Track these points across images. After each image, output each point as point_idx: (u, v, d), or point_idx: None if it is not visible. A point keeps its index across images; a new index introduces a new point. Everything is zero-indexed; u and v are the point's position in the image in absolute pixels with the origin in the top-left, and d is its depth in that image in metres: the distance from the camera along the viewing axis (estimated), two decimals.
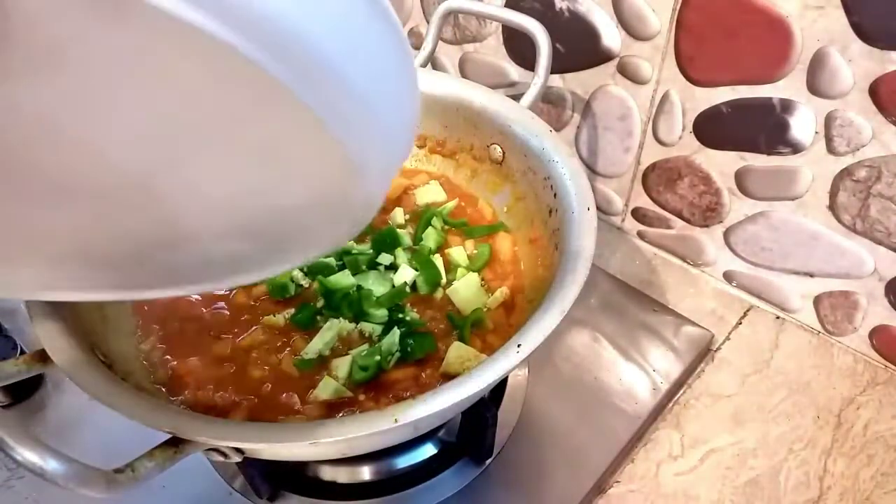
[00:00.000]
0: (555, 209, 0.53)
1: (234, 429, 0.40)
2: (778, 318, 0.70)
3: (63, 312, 0.46)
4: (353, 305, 0.55)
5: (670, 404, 0.64)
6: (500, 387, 0.63)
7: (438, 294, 0.57)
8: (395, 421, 0.38)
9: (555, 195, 0.53)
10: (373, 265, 0.58)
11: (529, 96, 0.62)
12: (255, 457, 0.45)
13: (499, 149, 0.60)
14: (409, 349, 0.52)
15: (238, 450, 0.41)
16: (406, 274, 0.57)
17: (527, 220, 0.59)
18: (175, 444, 0.39)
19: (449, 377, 0.50)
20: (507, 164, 0.60)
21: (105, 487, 0.36)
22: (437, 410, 0.39)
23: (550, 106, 0.76)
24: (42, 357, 0.43)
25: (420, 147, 0.66)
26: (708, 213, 0.70)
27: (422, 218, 0.62)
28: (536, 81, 0.63)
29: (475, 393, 0.40)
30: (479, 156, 0.63)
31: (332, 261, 0.59)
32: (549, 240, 0.54)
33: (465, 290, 0.56)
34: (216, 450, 0.41)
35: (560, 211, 0.52)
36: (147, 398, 0.41)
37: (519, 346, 0.41)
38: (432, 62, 0.72)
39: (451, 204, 0.64)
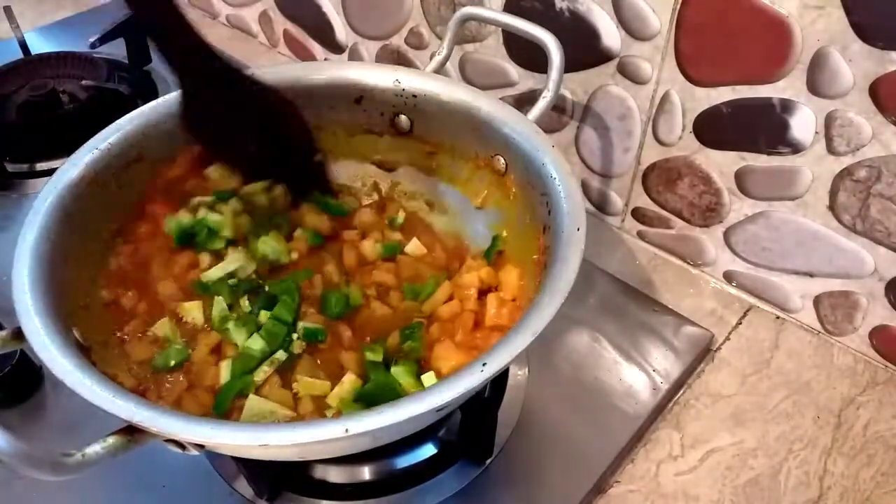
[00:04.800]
0: (548, 226, 0.53)
1: (185, 423, 0.40)
2: (778, 318, 0.70)
3: (46, 291, 0.47)
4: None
5: (670, 404, 0.64)
6: (500, 387, 0.63)
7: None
8: (346, 431, 0.38)
9: (549, 212, 0.53)
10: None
11: (537, 110, 0.61)
12: (216, 451, 0.45)
13: (502, 160, 0.60)
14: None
15: (197, 443, 0.41)
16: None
17: (524, 235, 0.58)
18: (130, 432, 0.40)
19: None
20: (510, 176, 0.60)
21: (50, 469, 0.37)
22: (390, 424, 0.39)
23: None
24: (18, 334, 0.44)
25: (432, 153, 0.65)
26: (708, 213, 0.70)
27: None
28: (546, 95, 0.62)
29: (432, 409, 0.39)
30: (482, 165, 0.62)
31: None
32: (541, 258, 0.54)
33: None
34: (174, 441, 0.41)
35: (552, 229, 0.52)
36: (110, 385, 0.41)
37: (484, 364, 0.41)
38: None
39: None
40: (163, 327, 0.55)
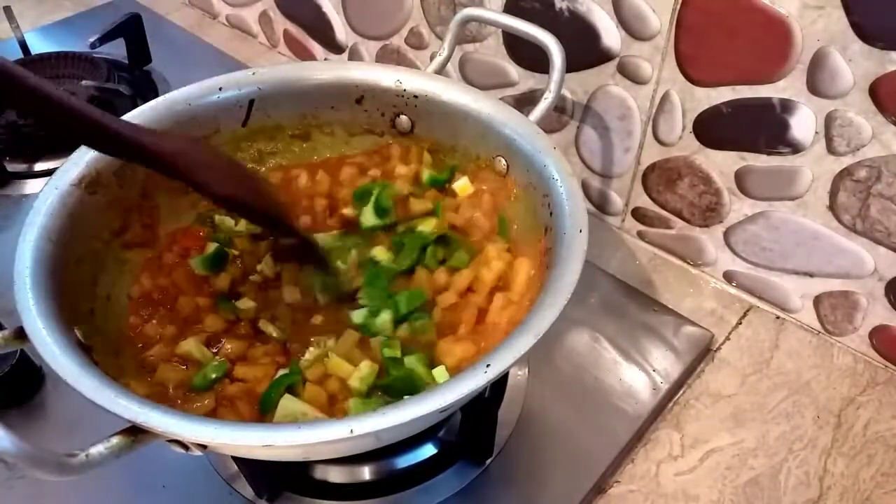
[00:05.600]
0: (550, 227, 0.53)
1: (188, 424, 0.40)
2: (778, 318, 0.70)
3: (47, 291, 0.47)
4: None
5: (670, 404, 0.64)
6: (500, 387, 0.63)
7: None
8: (351, 432, 0.38)
9: (551, 214, 0.53)
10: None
11: (538, 111, 0.61)
12: (219, 451, 0.45)
13: (503, 161, 0.60)
14: None
15: (200, 443, 0.41)
16: None
17: (526, 237, 0.58)
18: (134, 433, 0.40)
19: None
20: (511, 177, 0.60)
21: (56, 469, 0.37)
22: (394, 424, 0.39)
23: None
24: (20, 334, 0.44)
25: (432, 151, 0.65)
26: (708, 213, 0.70)
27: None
28: (547, 96, 0.62)
29: (435, 410, 0.40)
30: (484, 166, 0.62)
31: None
32: (542, 259, 0.54)
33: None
34: (177, 441, 0.41)
35: (554, 230, 0.52)
36: (112, 384, 0.41)
37: (488, 366, 0.41)
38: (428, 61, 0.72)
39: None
40: (187, 346, 0.53)
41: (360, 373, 0.51)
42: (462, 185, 0.63)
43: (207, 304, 0.57)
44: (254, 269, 0.59)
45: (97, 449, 0.39)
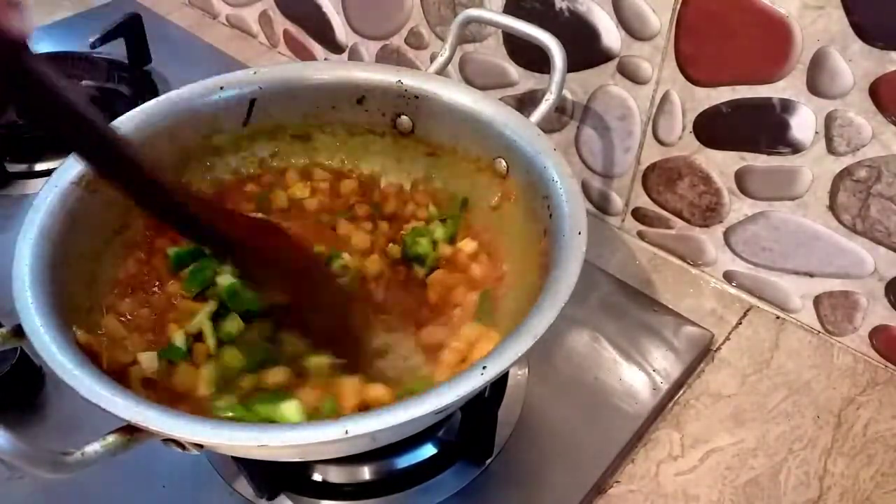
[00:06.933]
0: (549, 229, 0.53)
1: (184, 423, 0.40)
2: (778, 318, 0.70)
3: (46, 289, 0.47)
4: None
5: (670, 404, 0.64)
6: (500, 386, 0.63)
7: None
8: (346, 432, 0.38)
9: (550, 216, 0.53)
10: None
11: (539, 112, 0.61)
12: (215, 451, 0.45)
13: (504, 162, 0.60)
14: None
15: (196, 443, 0.41)
16: None
17: (525, 238, 0.58)
18: (130, 431, 0.40)
19: None
20: (511, 179, 0.60)
21: (51, 467, 0.37)
22: (391, 426, 0.39)
23: None
24: (18, 332, 0.44)
25: (430, 154, 0.65)
26: (708, 213, 0.70)
27: None
28: (548, 98, 0.62)
29: (431, 412, 0.40)
30: (484, 167, 0.62)
31: None
32: (539, 261, 0.53)
33: None
34: (174, 440, 0.41)
35: (553, 232, 0.52)
36: (109, 383, 0.41)
37: (484, 368, 0.41)
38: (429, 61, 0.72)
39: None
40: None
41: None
42: (464, 243, 0.62)
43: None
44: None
45: (93, 447, 0.39)
